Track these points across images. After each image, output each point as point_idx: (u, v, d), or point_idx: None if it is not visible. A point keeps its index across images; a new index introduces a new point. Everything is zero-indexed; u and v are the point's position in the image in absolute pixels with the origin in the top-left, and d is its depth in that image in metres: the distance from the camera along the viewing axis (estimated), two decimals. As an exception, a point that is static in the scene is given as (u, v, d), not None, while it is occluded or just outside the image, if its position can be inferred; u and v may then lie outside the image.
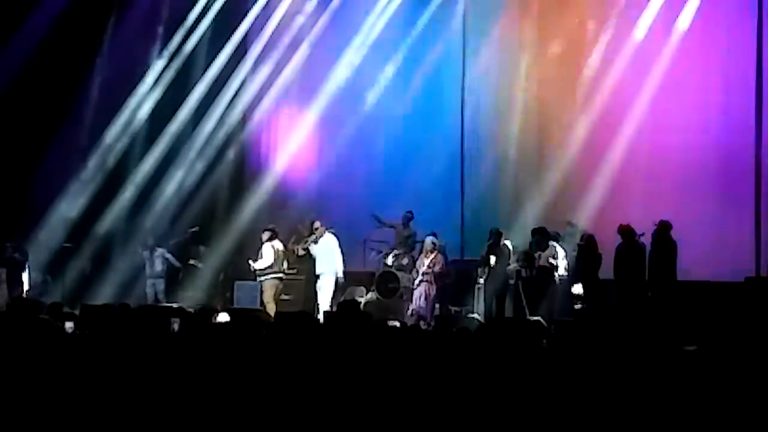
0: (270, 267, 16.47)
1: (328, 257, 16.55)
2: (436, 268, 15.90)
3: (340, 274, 16.54)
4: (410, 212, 17.28)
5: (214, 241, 18.57)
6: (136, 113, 19.23)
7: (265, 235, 16.67)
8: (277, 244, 16.65)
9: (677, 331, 9.88)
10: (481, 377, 6.22)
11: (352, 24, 19.10)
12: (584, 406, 5.84)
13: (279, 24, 19.57)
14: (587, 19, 17.43)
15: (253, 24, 19.70)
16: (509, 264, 15.38)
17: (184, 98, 19.36)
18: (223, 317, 10.42)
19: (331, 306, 15.98)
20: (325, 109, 19.05)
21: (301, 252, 17.33)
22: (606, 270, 14.69)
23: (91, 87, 19.17)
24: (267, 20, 19.61)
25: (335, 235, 16.71)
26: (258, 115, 19.65)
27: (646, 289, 14.20)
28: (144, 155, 19.16)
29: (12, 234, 17.45)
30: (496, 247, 15.36)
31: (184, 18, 19.42)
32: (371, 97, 18.71)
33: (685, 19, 16.48)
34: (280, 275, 16.67)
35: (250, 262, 16.61)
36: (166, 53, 19.40)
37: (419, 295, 15.87)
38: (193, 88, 19.40)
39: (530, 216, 16.46)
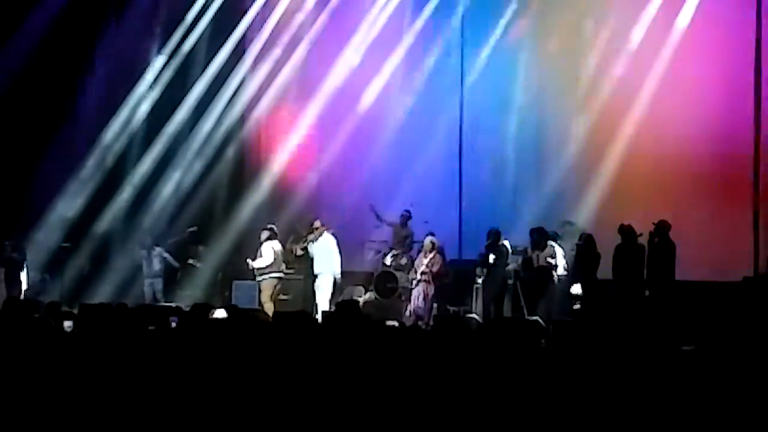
0: (269, 266, 16.45)
1: (327, 257, 16.53)
2: (435, 268, 15.90)
3: (338, 275, 16.52)
4: (408, 212, 17.29)
5: (213, 240, 18.57)
6: (135, 112, 19.23)
7: (264, 235, 16.64)
8: (276, 244, 16.64)
9: (675, 330, 9.88)
10: (479, 377, 6.22)
11: (351, 23, 19.10)
12: (582, 405, 5.84)
13: (278, 23, 19.57)
14: (586, 17, 17.42)
15: (251, 23, 19.70)
16: (508, 264, 15.38)
17: (183, 97, 19.36)
18: (220, 313, 10.42)
19: (329, 306, 15.97)
20: (324, 109, 19.05)
21: (300, 252, 17.33)
22: (604, 270, 14.70)
23: (90, 86, 19.17)
24: (266, 19, 19.61)
25: (334, 235, 16.70)
26: (257, 114, 19.64)
27: (644, 289, 14.21)
28: (142, 154, 19.15)
29: (10, 233, 17.44)
30: (494, 247, 15.35)
31: (182, 17, 19.42)
32: (370, 96, 18.71)
33: (684, 18, 16.48)
34: (279, 275, 16.64)
35: (249, 261, 16.58)
36: (165, 52, 19.39)
37: (417, 295, 15.87)
38: (191, 87, 19.40)
39: (529, 216, 16.46)
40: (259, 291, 16.51)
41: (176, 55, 19.38)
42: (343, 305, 9.90)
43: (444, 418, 5.82)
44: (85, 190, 18.69)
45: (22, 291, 16.73)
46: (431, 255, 15.93)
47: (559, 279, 14.95)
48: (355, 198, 18.02)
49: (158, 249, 17.72)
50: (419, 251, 16.39)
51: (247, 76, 19.54)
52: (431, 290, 15.88)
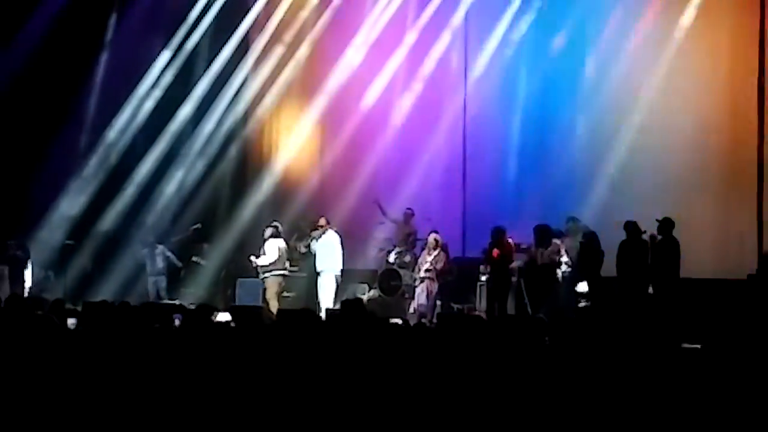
0: (273, 264, 16.44)
1: (330, 255, 16.50)
2: (439, 266, 15.88)
3: (338, 273, 16.50)
4: (410, 209, 17.28)
5: (216, 238, 18.58)
6: (139, 110, 19.23)
7: (268, 232, 16.64)
8: (280, 242, 16.62)
9: (680, 328, 9.86)
10: (483, 374, 6.21)
11: (354, 21, 19.09)
12: (587, 403, 5.83)
13: (281, 21, 19.57)
14: (591, 12, 17.38)
15: (255, 21, 19.70)
16: (512, 261, 15.36)
17: (186, 95, 19.37)
18: (223, 317, 10.42)
19: (333, 303, 15.96)
20: (327, 106, 19.06)
21: (303, 249, 17.33)
22: (608, 267, 14.68)
23: (93, 85, 19.19)
24: (269, 17, 19.61)
25: (338, 233, 16.69)
26: (260, 112, 19.65)
27: (648, 286, 14.19)
28: (146, 152, 19.16)
29: (14, 231, 17.46)
30: (498, 244, 15.32)
31: (186, 15, 19.42)
32: (373, 93, 18.71)
33: (688, 15, 16.45)
34: (283, 272, 16.63)
35: (252, 258, 16.58)
36: (168, 51, 19.39)
37: (421, 293, 15.86)
38: (195, 85, 19.41)
39: (532, 213, 16.43)
40: (264, 289, 16.50)
41: (179, 53, 19.38)
42: (348, 303, 9.89)
43: (448, 415, 5.81)
44: (89, 187, 18.70)
45: (26, 289, 16.75)
46: (435, 252, 15.92)
47: (563, 276, 14.92)
48: (358, 195, 18.02)
49: (161, 247, 17.72)
50: (423, 248, 16.37)
51: (251, 74, 19.54)
52: (435, 288, 15.86)
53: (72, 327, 9.18)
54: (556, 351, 7.15)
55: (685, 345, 7.69)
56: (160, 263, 17.58)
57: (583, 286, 14.69)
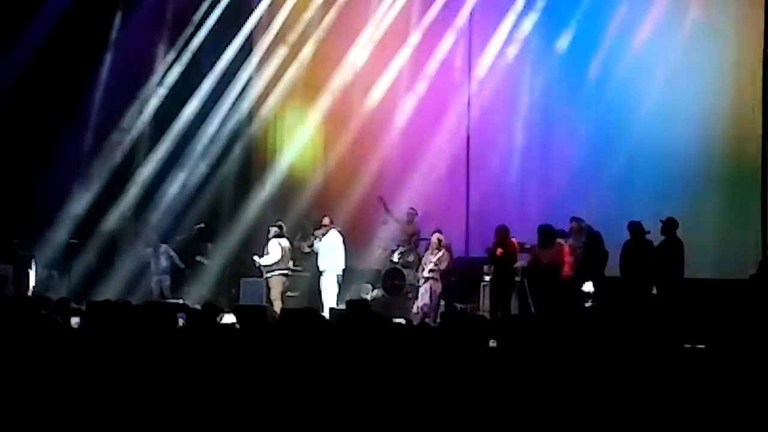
0: (276, 263, 16.46)
1: (332, 254, 16.53)
2: (443, 266, 15.89)
3: (340, 272, 16.50)
4: (414, 209, 17.28)
5: (220, 237, 18.60)
6: (143, 110, 19.25)
7: (272, 231, 16.66)
8: (284, 241, 16.64)
9: (683, 328, 9.85)
10: (486, 374, 6.21)
11: (358, 21, 19.10)
12: (590, 403, 5.83)
13: (285, 21, 19.58)
14: (593, 15, 17.39)
15: (259, 21, 19.72)
16: (514, 261, 15.36)
17: (191, 95, 19.38)
18: (229, 318, 10.43)
19: (336, 303, 15.98)
20: (331, 106, 19.07)
21: (307, 249, 17.34)
22: (611, 267, 14.68)
23: (98, 84, 19.20)
24: (273, 17, 19.63)
25: (341, 233, 16.71)
26: (264, 111, 19.66)
27: (652, 287, 14.19)
28: (150, 152, 19.18)
29: (19, 231, 17.49)
30: (502, 244, 15.32)
31: (190, 15, 19.44)
32: (377, 93, 18.72)
33: (693, 17, 16.44)
34: (287, 272, 16.66)
35: (255, 257, 16.60)
36: (173, 50, 19.41)
37: (425, 293, 15.86)
38: (199, 84, 19.43)
39: (536, 213, 16.44)
40: (268, 288, 16.51)
41: (184, 52, 19.39)
42: (353, 304, 9.89)
43: (452, 415, 5.82)
44: (93, 186, 18.72)
45: (30, 288, 16.77)
46: (440, 253, 15.92)
47: (566, 276, 14.91)
48: (362, 195, 18.04)
49: (165, 246, 17.75)
50: (426, 248, 16.38)
51: (255, 73, 19.55)
52: (439, 287, 15.88)
53: (76, 326, 9.19)
54: (559, 351, 7.15)
55: (689, 345, 7.69)
56: (163, 262, 17.60)
57: (588, 286, 14.69)
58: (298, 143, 19.52)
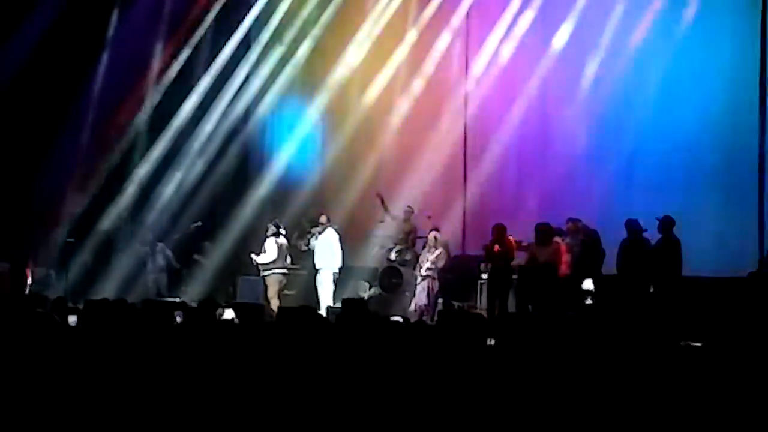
0: (273, 262, 16.47)
1: (328, 252, 16.54)
2: (440, 264, 15.90)
3: (336, 270, 16.50)
4: (410, 207, 17.27)
5: (218, 235, 18.59)
6: (141, 107, 19.22)
7: (270, 230, 16.67)
8: (281, 239, 16.64)
9: (680, 326, 9.86)
10: (484, 372, 6.21)
11: (355, 18, 19.10)
12: (587, 401, 5.83)
13: (282, 19, 19.57)
14: (592, 9, 17.37)
15: (257, 18, 19.71)
16: (513, 259, 15.36)
17: (188, 93, 19.36)
18: (228, 314, 10.43)
19: (333, 301, 15.99)
20: (328, 104, 19.07)
21: (304, 247, 17.34)
22: (608, 265, 14.69)
23: (95, 82, 19.17)
24: (271, 14, 19.62)
25: (337, 231, 16.71)
26: (261, 109, 19.65)
27: (649, 285, 14.19)
28: (147, 150, 19.16)
29: (16, 229, 17.47)
30: (499, 242, 15.32)
31: (187, 12, 19.42)
32: (374, 92, 18.71)
33: (690, 15, 16.44)
34: (283, 270, 16.66)
35: (253, 256, 16.61)
36: (171, 48, 19.39)
37: (422, 291, 15.87)
38: (197, 82, 19.41)
39: (533, 211, 16.43)
40: (265, 287, 16.52)
41: (181, 50, 19.37)
42: (349, 302, 9.87)
43: (449, 413, 5.81)
44: (91, 185, 18.69)
45: (27, 286, 16.75)
46: (437, 251, 15.93)
47: (563, 275, 14.91)
48: (359, 193, 18.03)
49: (161, 245, 17.74)
50: (423, 246, 16.38)
51: (252, 71, 19.55)
52: (436, 286, 15.88)
53: (73, 325, 9.19)
54: (557, 349, 7.15)
55: (686, 343, 7.70)
56: (161, 261, 17.61)
57: (588, 284, 14.70)
58: (295, 141, 19.51)
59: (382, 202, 17.40)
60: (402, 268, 16.77)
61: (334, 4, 19.28)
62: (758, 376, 5.95)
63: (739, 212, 15.96)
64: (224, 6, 19.45)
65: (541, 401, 5.83)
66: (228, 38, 19.48)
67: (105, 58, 19.19)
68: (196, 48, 19.46)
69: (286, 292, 16.90)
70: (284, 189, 19.04)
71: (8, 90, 17.84)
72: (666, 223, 14.18)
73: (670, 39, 16.50)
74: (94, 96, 19.13)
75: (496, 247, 14.96)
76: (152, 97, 19.28)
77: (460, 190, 18.37)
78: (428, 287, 15.83)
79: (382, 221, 17.64)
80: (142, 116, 19.24)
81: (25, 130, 18.19)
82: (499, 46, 18.05)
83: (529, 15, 17.88)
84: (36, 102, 18.16)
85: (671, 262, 14.05)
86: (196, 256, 18.33)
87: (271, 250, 16.46)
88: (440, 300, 16.06)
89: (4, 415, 6.01)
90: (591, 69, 17.15)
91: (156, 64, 19.35)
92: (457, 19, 18.54)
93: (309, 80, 19.46)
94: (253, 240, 17.73)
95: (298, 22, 19.46)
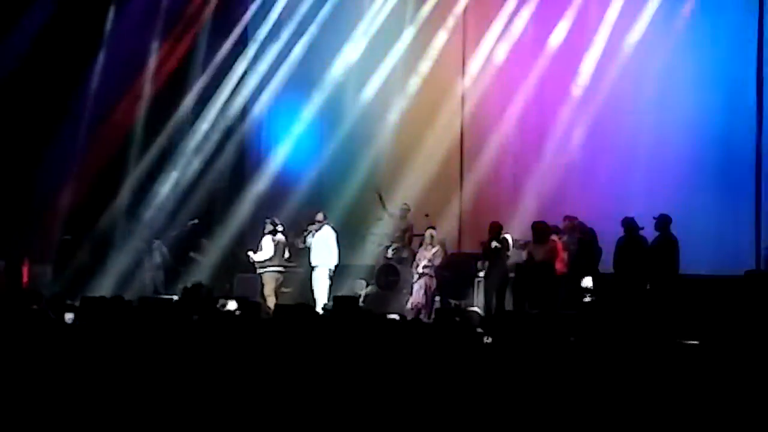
0: (269, 260, 16.46)
1: (325, 250, 16.52)
2: (437, 262, 15.89)
3: (332, 268, 16.49)
4: (407, 205, 17.26)
5: (215, 233, 18.57)
6: (138, 104, 19.20)
7: (267, 227, 16.66)
8: (278, 237, 16.63)
9: (677, 325, 9.86)
10: (481, 369, 6.21)
11: (353, 15, 19.09)
12: (585, 397, 5.83)
13: (280, 15, 19.56)
14: (587, 13, 17.38)
15: (254, 15, 19.70)
16: (509, 257, 15.36)
17: (185, 90, 19.34)
18: (231, 305, 10.46)
19: (329, 298, 15.98)
20: (325, 102, 19.05)
21: (301, 245, 17.33)
22: (605, 264, 14.68)
23: (92, 79, 19.15)
24: (268, 11, 19.60)
25: (334, 229, 16.70)
26: (258, 106, 19.64)
27: (646, 283, 14.19)
28: (144, 147, 19.14)
29: (12, 226, 17.45)
30: (496, 240, 15.32)
31: (184, 9, 19.40)
32: (371, 88, 18.70)
33: (686, 14, 16.44)
34: (280, 268, 16.64)
35: (250, 253, 16.61)
36: (168, 44, 19.37)
37: (419, 289, 15.86)
38: (194, 79, 19.39)
39: (530, 209, 16.43)
40: (261, 285, 16.51)
41: (179, 46, 19.36)
42: (340, 300, 9.89)
43: (445, 409, 5.81)
44: (88, 182, 18.67)
45: (24, 283, 16.75)
46: (434, 249, 15.92)
47: (560, 273, 14.91)
48: (356, 191, 18.02)
49: (158, 242, 17.73)
50: (420, 244, 16.37)
51: (249, 68, 19.53)
52: (433, 284, 15.87)
53: (70, 322, 9.18)
54: (553, 347, 7.15)
55: (683, 341, 7.69)
56: (157, 258, 17.60)
57: (587, 282, 14.70)
58: (292, 139, 19.49)
59: (381, 199, 17.38)
60: (399, 266, 16.76)
61: (330, 2, 19.26)
62: (754, 374, 5.96)
63: (736, 210, 15.96)
64: (221, 2, 19.41)
65: (537, 398, 5.83)
66: (225, 35, 19.44)
67: (102, 54, 19.16)
68: (194, 45, 19.43)
69: (283, 289, 16.89)
70: (281, 186, 19.02)
71: (5, 86, 17.82)
72: (662, 221, 14.17)
73: (667, 36, 16.49)
74: (92, 93, 19.10)
75: (494, 244, 14.97)
76: (149, 94, 19.24)
77: (457, 188, 18.36)
78: (425, 285, 15.82)
79: (380, 219, 17.62)
80: (139, 113, 19.20)
81: (23, 127, 18.17)
82: (495, 44, 18.04)
83: (525, 13, 17.87)
84: (33, 98, 18.14)
85: (668, 260, 14.05)
86: (192, 254, 18.31)
87: (267, 247, 16.46)
88: (437, 298, 16.04)
89: (1, 412, 6.00)
90: (588, 67, 17.14)
91: (153, 61, 19.31)
92: (454, 17, 18.52)
93: (306, 78, 19.43)
94: (250, 237, 17.72)
95: (295, 20, 19.43)
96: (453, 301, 16.23)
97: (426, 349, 6.78)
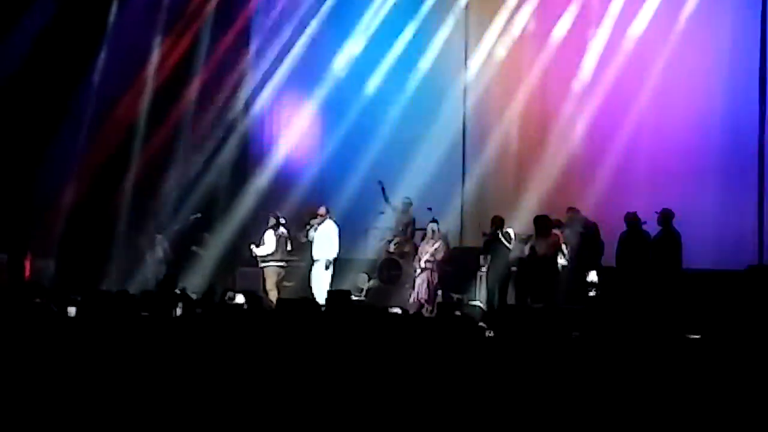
0: (271, 254, 16.47)
1: (326, 244, 16.53)
2: (439, 256, 15.89)
3: (330, 260, 16.48)
4: (409, 198, 17.26)
5: (217, 227, 18.58)
6: (142, 99, 19.19)
7: (270, 222, 16.68)
8: (280, 230, 16.64)
9: (680, 319, 9.86)
10: (483, 363, 6.21)
11: (355, 9, 19.08)
12: (587, 392, 5.83)
13: (281, 12, 19.55)
14: (590, 6, 17.36)
15: (256, 10, 19.69)
16: (511, 251, 15.36)
17: (187, 85, 19.33)
18: (239, 299, 10.49)
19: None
20: (327, 96, 19.05)
21: (303, 239, 17.33)
22: (608, 258, 14.68)
23: (95, 74, 19.14)
24: (270, 6, 19.60)
25: (336, 223, 16.70)
26: (260, 102, 19.64)
27: (648, 277, 14.19)
28: (147, 141, 19.13)
29: (16, 219, 17.47)
30: (498, 234, 15.32)
31: (187, 4, 19.39)
32: (373, 84, 18.70)
33: (689, 8, 16.42)
34: (281, 262, 16.65)
35: (252, 247, 16.62)
36: (170, 40, 19.37)
37: (421, 283, 15.86)
38: (196, 74, 19.38)
39: (532, 203, 16.43)
40: (264, 278, 16.52)
41: (180, 43, 19.35)
42: (333, 295, 9.91)
43: (448, 404, 5.82)
44: (91, 176, 18.67)
45: (26, 277, 16.76)
46: (437, 243, 15.92)
47: (562, 267, 14.92)
48: (358, 185, 18.01)
49: (160, 237, 17.74)
50: (422, 238, 16.37)
51: (251, 64, 19.53)
52: (435, 278, 15.87)
53: (72, 315, 9.19)
54: (555, 341, 7.15)
55: (685, 335, 7.70)
56: (160, 252, 17.61)
57: (593, 276, 14.71)
58: (294, 133, 19.49)
59: (383, 190, 17.36)
60: (401, 260, 16.76)
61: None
62: (756, 368, 5.96)
63: (739, 205, 15.96)
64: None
65: (540, 393, 5.83)
66: (227, 29, 19.43)
67: (105, 50, 19.15)
68: (196, 40, 19.42)
69: (285, 283, 16.90)
70: (283, 180, 19.02)
71: (8, 83, 17.81)
72: (665, 216, 14.18)
73: (670, 30, 16.47)
74: (94, 88, 19.07)
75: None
76: (152, 89, 19.23)
77: (459, 182, 18.36)
78: (427, 279, 15.82)
79: (382, 212, 17.63)
80: (142, 108, 19.19)
81: (25, 122, 18.16)
82: (498, 38, 18.03)
83: (528, 7, 17.85)
84: (35, 94, 18.13)
85: (671, 254, 14.05)
86: (194, 248, 18.31)
87: (269, 242, 16.47)
88: (439, 292, 16.05)
89: (3, 406, 6.01)
90: (590, 61, 17.13)
91: (156, 56, 19.30)
92: (456, 10, 18.51)
93: (308, 72, 19.42)
94: (252, 232, 17.72)
95: (297, 14, 19.42)
96: (455, 296, 16.25)
97: (428, 343, 6.78)
